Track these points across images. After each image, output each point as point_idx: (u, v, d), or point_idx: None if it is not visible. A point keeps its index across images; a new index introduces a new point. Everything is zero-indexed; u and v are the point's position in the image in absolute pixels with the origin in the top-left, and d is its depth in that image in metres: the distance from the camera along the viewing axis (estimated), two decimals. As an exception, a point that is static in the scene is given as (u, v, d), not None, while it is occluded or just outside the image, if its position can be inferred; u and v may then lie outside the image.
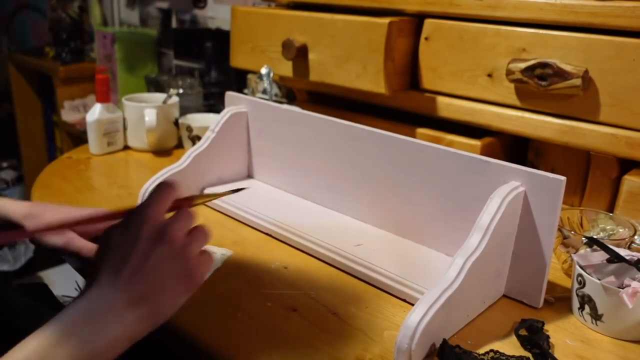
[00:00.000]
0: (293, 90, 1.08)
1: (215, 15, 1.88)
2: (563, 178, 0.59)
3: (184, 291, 0.51)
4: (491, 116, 0.90)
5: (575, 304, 0.62)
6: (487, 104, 0.91)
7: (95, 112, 1.12)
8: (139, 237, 0.49)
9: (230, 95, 0.97)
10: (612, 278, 0.62)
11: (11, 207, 0.70)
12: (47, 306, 0.76)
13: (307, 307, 0.63)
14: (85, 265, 0.70)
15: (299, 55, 1.01)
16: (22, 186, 2.67)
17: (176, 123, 1.17)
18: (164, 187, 0.53)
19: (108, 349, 0.46)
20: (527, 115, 0.87)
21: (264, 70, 1.03)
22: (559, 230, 0.68)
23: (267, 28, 1.08)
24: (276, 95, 1.05)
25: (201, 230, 0.54)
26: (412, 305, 0.63)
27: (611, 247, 0.64)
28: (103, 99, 1.13)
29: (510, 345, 0.58)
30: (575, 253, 0.66)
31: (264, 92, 1.04)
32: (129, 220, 0.51)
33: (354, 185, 0.81)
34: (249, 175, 0.99)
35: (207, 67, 1.52)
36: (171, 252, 0.50)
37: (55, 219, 0.69)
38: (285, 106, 0.91)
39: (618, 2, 0.76)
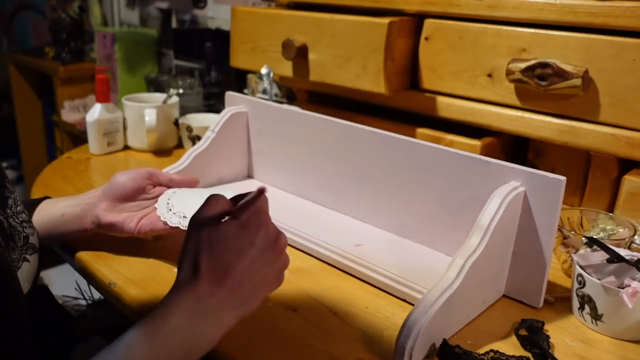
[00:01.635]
0: (293, 90, 1.08)
1: (215, 15, 1.88)
2: (563, 178, 0.59)
3: (270, 292, 0.53)
4: (491, 116, 0.90)
5: (575, 304, 0.62)
6: (487, 104, 0.91)
7: (95, 112, 1.12)
8: (255, 242, 0.50)
9: (230, 95, 0.97)
10: (612, 278, 0.62)
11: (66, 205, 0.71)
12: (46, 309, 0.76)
13: (307, 307, 0.63)
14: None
15: (299, 55, 1.01)
16: (22, 186, 2.66)
17: (176, 123, 1.17)
18: (264, 194, 0.53)
19: (204, 347, 0.47)
20: (527, 115, 0.87)
21: (264, 70, 1.03)
22: (559, 230, 0.68)
23: (267, 28, 1.08)
24: (276, 95, 1.05)
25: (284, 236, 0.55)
26: (412, 305, 0.63)
27: (611, 247, 0.64)
28: (103, 99, 1.13)
29: (510, 345, 0.58)
30: (575, 253, 0.66)
31: (264, 92, 1.04)
32: (248, 220, 0.50)
33: (354, 185, 0.81)
34: (249, 175, 0.99)
35: (207, 67, 1.52)
36: (277, 260, 0.52)
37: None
38: (285, 106, 0.91)
39: (618, 2, 0.76)
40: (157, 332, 0.46)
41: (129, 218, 0.70)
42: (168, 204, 0.70)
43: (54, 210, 0.71)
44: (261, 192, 0.52)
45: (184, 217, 0.68)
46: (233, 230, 0.50)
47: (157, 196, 0.72)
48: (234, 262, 0.49)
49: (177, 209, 0.69)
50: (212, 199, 0.52)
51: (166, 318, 0.46)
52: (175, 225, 0.67)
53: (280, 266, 0.53)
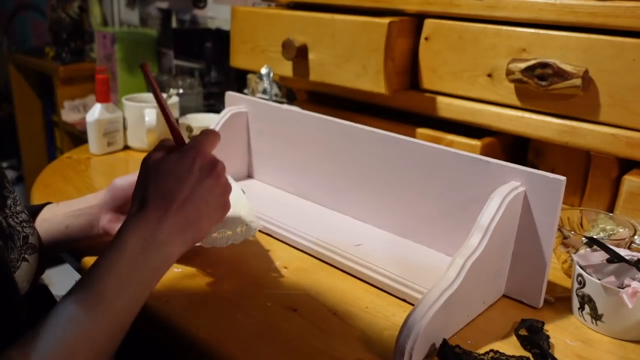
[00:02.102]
0: (293, 90, 1.08)
1: (215, 15, 1.88)
2: (563, 178, 0.59)
3: (217, 220, 0.59)
4: (491, 116, 0.90)
5: (575, 304, 0.62)
6: (487, 104, 0.91)
7: (95, 112, 1.12)
8: (193, 169, 0.55)
9: (230, 95, 0.97)
10: (612, 278, 0.63)
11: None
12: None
13: (307, 307, 0.63)
14: None
15: (299, 55, 1.01)
16: (22, 186, 2.67)
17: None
18: (214, 132, 0.60)
19: (158, 271, 0.52)
20: (527, 115, 0.87)
21: (264, 70, 1.03)
22: (559, 230, 0.68)
23: (267, 28, 1.08)
24: (276, 95, 1.05)
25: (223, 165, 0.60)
26: (412, 305, 0.63)
27: (611, 247, 0.64)
28: (103, 99, 1.13)
29: (510, 345, 0.58)
30: (575, 253, 0.66)
31: (264, 92, 1.04)
32: (185, 150, 0.56)
33: (354, 185, 0.81)
34: (249, 175, 0.99)
35: (207, 67, 1.52)
36: (217, 185, 0.57)
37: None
38: (285, 106, 0.91)
39: (618, 2, 0.76)
40: (117, 263, 0.49)
41: None
42: None
43: (57, 222, 0.71)
44: (215, 133, 0.60)
45: None
46: (173, 161, 0.55)
47: None
48: (176, 189, 0.54)
49: None
50: (160, 142, 0.60)
51: (122, 247, 0.50)
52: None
53: (221, 192, 0.58)
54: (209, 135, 0.59)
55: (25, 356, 0.42)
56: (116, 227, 0.69)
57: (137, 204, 0.54)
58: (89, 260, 0.72)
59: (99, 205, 0.70)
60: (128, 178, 0.71)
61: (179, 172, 0.55)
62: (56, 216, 0.71)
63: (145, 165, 0.56)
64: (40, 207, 0.73)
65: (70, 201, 0.73)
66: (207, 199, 0.56)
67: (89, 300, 0.47)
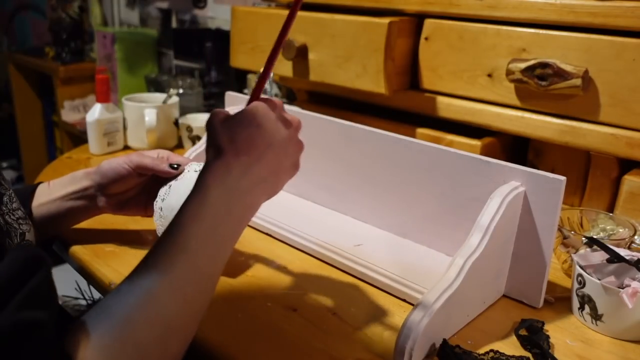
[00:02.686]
0: (293, 90, 1.07)
1: (215, 15, 1.88)
2: (563, 178, 0.59)
3: (289, 176, 0.56)
4: (491, 116, 0.90)
5: (575, 304, 0.62)
6: (487, 104, 0.91)
7: (95, 112, 1.12)
8: (273, 117, 0.53)
9: (230, 95, 0.97)
10: (612, 278, 0.63)
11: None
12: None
13: (307, 307, 0.63)
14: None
15: (299, 55, 1.01)
16: (22, 186, 2.66)
17: (176, 123, 1.17)
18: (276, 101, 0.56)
19: (242, 221, 0.51)
20: (527, 115, 0.87)
21: (264, 70, 1.03)
22: (559, 230, 0.68)
23: (267, 28, 1.08)
24: (276, 95, 1.05)
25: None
26: (412, 305, 0.63)
27: (611, 247, 0.64)
28: (103, 99, 1.13)
29: (510, 345, 0.58)
30: (575, 253, 0.66)
31: (264, 92, 1.03)
32: (265, 100, 0.54)
33: (354, 185, 0.81)
34: (249, 175, 0.99)
35: (207, 67, 1.52)
36: (295, 137, 0.55)
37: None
38: (285, 106, 0.91)
39: (618, 2, 0.76)
40: (200, 213, 0.48)
41: (137, 204, 0.73)
42: (161, 210, 0.69)
43: (55, 207, 0.71)
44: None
45: None
46: (250, 110, 0.52)
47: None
48: (257, 135, 0.51)
49: (168, 217, 0.68)
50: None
51: (206, 193, 0.48)
52: None
53: (297, 148, 0.56)
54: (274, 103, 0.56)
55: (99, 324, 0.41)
56: (118, 212, 0.72)
57: (213, 153, 0.51)
58: (77, 249, 0.73)
59: (93, 187, 0.71)
60: (115, 159, 0.71)
61: (259, 119, 0.52)
62: (54, 202, 0.71)
63: (214, 120, 0.53)
64: (32, 189, 0.73)
65: (61, 181, 0.73)
66: (287, 150, 0.54)
67: (173, 251, 0.46)
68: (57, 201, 0.71)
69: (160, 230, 0.70)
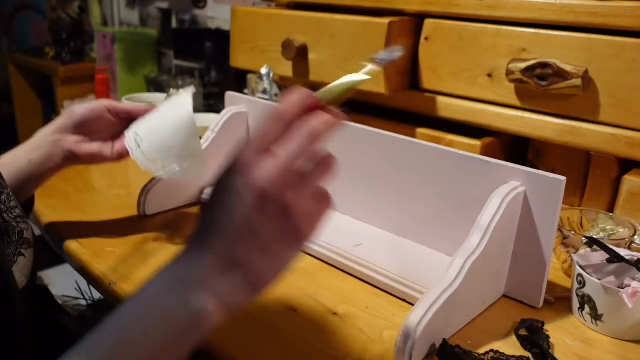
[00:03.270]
0: (293, 90, 1.08)
1: (215, 15, 1.88)
2: (563, 178, 0.59)
3: (290, 250, 0.41)
4: (491, 116, 0.90)
5: (575, 304, 0.62)
6: (487, 104, 0.91)
7: (95, 112, 1.12)
8: (239, 195, 0.39)
9: (230, 95, 0.97)
10: (612, 278, 0.62)
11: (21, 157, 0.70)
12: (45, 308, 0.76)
13: (307, 307, 0.63)
14: None
15: (299, 55, 1.01)
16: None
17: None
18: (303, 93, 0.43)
19: (197, 322, 0.38)
20: (527, 115, 0.87)
21: (264, 70, 1.03)
22: (559, 230, 0.68)
23: (267, 28, 1.08)
24: (276, 95, 1.05)
25: (326, 163, 0.43)
26: (412, 305, 0.63)
27: (611, 247, 0.64)
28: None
29: (510, 345, 0.58)
30: (575, 253, 0.66)
31: (264, 92, 1.04)
32: (226, 175, 0.41)
33: (354, 185, 0.81)
34: (249, 175, 0.99)
35: (207, 67, 1.52)
36: (276, 209, 0.39)
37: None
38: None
39: (618, 2, 0.76)
40: (136, 307, 0.39)
41: (104, 145, 0.73)
42: (136, 137, 0.68)
43: (18, 161, 0.70)
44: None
45: (152, 161, 0.67)
46: (214, 194, 0.41)
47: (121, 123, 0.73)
48: (217, 220, 0.40)
49: (145, 146, 0.68)
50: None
51: (143, 288, 0.39)
52: (146, 168, 0.68)
53: (293, 221, 0.40)
54: (270, 123, 0.41)
55: None
56: (83, 147, 0.72)
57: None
58: (77, 249, 0.73)
59: (57, 131, 0.71)
60: (87, 106, 0.72)
61: (218, 207, 0.41)
62: (15, 156, 0.71)
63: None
64: None
65: (24, 143, 0.73)
66: (262, 229, 0.39)
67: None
68: (19, 155, 0.70)
69: (141, 160, 0.68)
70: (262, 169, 0.39)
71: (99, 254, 0.72)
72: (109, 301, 0.68)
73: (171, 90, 1.24)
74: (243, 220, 0.39)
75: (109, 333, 0.37)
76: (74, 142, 0.71)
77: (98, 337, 0.37)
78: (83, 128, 0.71)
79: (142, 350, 0.37)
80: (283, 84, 1.08)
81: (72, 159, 0.72)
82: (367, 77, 0.52)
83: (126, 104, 0.75)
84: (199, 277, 0.39)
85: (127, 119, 0.74)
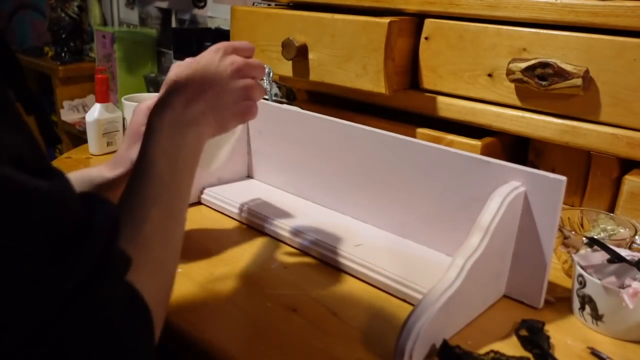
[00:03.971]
0: (293, 90, 1.07)
1: (215, 15, 1.88)
2: (563, 178, 0.59)
3: (237, 115, 0.61)
4: (491, 116, 0.90)
5: (576, 304, 0.62)
6: (488, 104, 0.91)
7: (95, 112, 1.12)
8: (214, 59, 0.59)
9: (230, 95, 0.97)
10: (612, 278, 0.62)
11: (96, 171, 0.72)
12: None
13: (307, 307, 0.63)
14: None
15: (299, 55, 1.01)
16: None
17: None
18: (248, 43, 0.64)
19: (196, 147, 0.56)
20: (527, 115, 0.87)
21: (263, 70, 1.03)
22: (560, 230, 0.68)
23: (267, 28, 1.08)
24: (276, 95, 1.05)
25: (260, 65, 0.63)
26: (412, 305, 0.63)
27: (612, 247, 0.64)
28: (102, 99, 1.13)
29: (510, 346, 0.57)
30: (575, 253, 0.66)
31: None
32: (212, 46, 0.61)
33: (354, 185, 0.80)
34: (249, 175, 0.99)
35: (206, 67, 1.52)
36: (233, 78, 0.60)
37: None
38: (285, 106, 0.91)
39: (619, 1, 0.76)
40: (161, 143, 0.53)
41: None
42: None
43: (98, 178, 0.70)
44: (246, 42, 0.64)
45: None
46: (194, 59, 0.60)
47: None
48: (194, 76, 0.58)
49: None
50: None
51: (158, 129, 0.53)
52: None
53: (241, 88, 0.61)
54: (243, 43, 0.63)
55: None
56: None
57: (161, 96, 0.57)
58: None
59: (133, 144, 0.71)
60: (142, 111, 0.74)
61: (201, 63, 0.59)
62: (100, 172, 0.71)
63: (170, 72, 0.60)
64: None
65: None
66: (227, 88, 0.59)
67: (153, 183, 0.51)
68: (94, 175, 0.70)
69: None
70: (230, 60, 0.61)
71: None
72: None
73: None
74: (222, 84, 0.59)
75: (147, 164, 0.51)
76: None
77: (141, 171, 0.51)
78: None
79: (177, 165, 0.53)
80: (283, 84, 1.08)
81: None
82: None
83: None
84: (189, 119, 0.56)
85: None
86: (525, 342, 0.57)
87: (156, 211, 0.49)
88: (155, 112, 0.55)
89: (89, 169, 0.73)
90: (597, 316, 0.60)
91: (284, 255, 0.74)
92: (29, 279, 0.31)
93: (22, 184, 0.31)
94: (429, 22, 0.95)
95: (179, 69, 0.59)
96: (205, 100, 0.57)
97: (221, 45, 0.61)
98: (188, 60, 0.61)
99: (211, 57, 0.60)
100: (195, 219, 0.83)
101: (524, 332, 0.59)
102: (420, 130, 0.99)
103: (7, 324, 0.31)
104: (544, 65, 0.80)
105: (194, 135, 0.56)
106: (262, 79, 0.64)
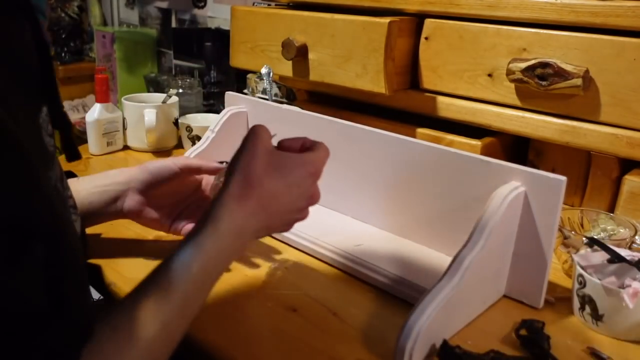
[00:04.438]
0: (293, 90, 1.07)
1: (215, 15, 1.88)
2: (563, 178, 0.59)
3: (293, 222, 0.59)
4: (491, 116, 0.90)
5: (576, 304, 0.62)
6: (488, 103, 0.91)
7: (95, 112, 1.12)
8: (300, 182, 0.56)
9: (230, 95, 0.97)
10: (612, 278, 0.62)
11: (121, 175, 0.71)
12: None
13: (307, 307, 0.63)
14: None
15: (299, 55, 1.01)
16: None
17: (176, 123, 1.17)
18: (327, 150, 0.61)
19: (233, 256, 0.52)
20: (527, 115, 0.87)
21: (264, 70, 1.03)
22: (560, 230, 0.68)
23: (267, 28, 1.08)
24: (276, 95, 1.05)
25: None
26: (412, 305, 0.63)
27: (612, 247, 0.64)
28: (102, 98, 1.13)
29: (510, 346, 0.58)
30: (575, 253, 0.66)
31: (264, 92, 1.03)
32: (304, 161, 0.57)
33: (354, 185, 0.80)
34: (249, 175, 0.99)
35: (207, 67, 1.52)
36: (305, 209, 0.58)
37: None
38: (285, 106, 0.91)
39: (619, 1, 0.76)
40: (208, 239, 0.49)
41: (163, 219, 0.72)
42: None
43: (79, 199, 0.67)
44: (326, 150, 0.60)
45: None
46: (293, 162, 0.55)
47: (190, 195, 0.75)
48: (283, 192, 0.54)
49: None
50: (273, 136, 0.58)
51: (218, 221, 0.50)
52: None
53: (307, 201, 0.58)
54: (324, 152, 0.60)
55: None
56: (145, 212, 0.70)
57: (240, 181, 0.52)
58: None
59: (127, 183, 0.69)
60: (159, 163, 0.71)
61: (297, 177, 0.55)
62: (78, 192, 0.68)
63: (258, 145, 0.54)
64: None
65: (92, 176, 0.72)
66: (290, 214, 0.57)
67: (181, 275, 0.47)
68: (81, 192, 0.68)
69: None
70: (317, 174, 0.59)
71: (98, 254, 0.72)
72: (107, 301, 0.68)
73: (170, 90, 1.24)
74: (297, 209, 0.57)
75: (194, 259, 0.48)
76: (138, 203, 0.70)
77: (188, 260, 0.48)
78: (150, 190, 0.70)
79: (214, 268, 0.50)
80: (283, 84, 1.08)
81: (128, 216, 0.71)
82: None
83: (194, 160, 0.74)
84: (252, 230, 0.53)
85: (194, 183, 0.75)
86: (525, 342, 0.57)
87: (176, 295, 0.46)
88: (223, 201, 0.51)
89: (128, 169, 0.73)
90: (597, 316, 0.60)
91: (284, 255, 0.74)
92: None
93: None
94: (429, 22, 0.95)
95: (275, 161, 0.54)
96: (268, 218, 0.54)
97: (318, 172, 0.58)
98: (271, 148, 0.56)
99: (301, 180, 0.56)
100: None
101: (524, 332, 0.59)
102: (420, 130, 0.99)
103: None
104: (544, 65, 0.80)
105: (241, 244, 0.53)
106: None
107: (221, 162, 0.72)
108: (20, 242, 0.36)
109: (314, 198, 0.58)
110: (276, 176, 0.53)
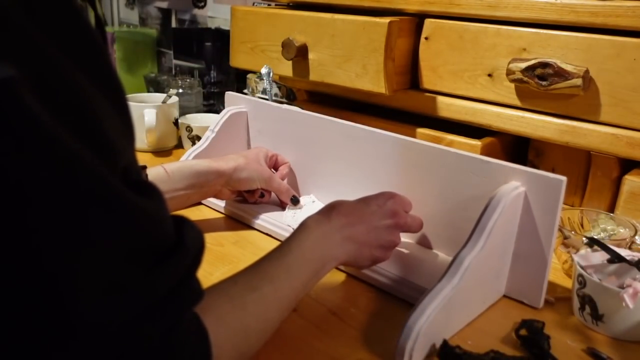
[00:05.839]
0: (293, 90, 1.07)
1: (215, 15, 1.88)
2: (563, 178, 0.59)
3: (372, 259, 0.63)
4: (491, 116, 0.90)
5: (576, 304, 0.62)
6: (488, 103, 0.91)
7: (95, 112, 1.12)
8: (377, 203, 0.65)
9: (230, 95, 0.97)
10: (612, 278, 0.62)
11: (216, 164, 0.80)
12: None
13: (307, 307, 0.63)
14: None
15: (299, 55, 1.01)
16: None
17: (176, 123, 1.17)
18: (409, 202, 0.69)
19: (325, 265, 0.58)
20: (527, 115, 0.87)
21: (264, 70, 1.03)
22: (560, 230, 0.68)
23: (267, 28, 1.08)
24: (276, 95, 1.05)
25: (417, 224, 0.69)
26: (412, 305, 0.63)
27: (612, 247, 0.64)
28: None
29: (510, 346, 0.58)
30: (575, 253, 0.66)
31: (264, 92, 1.03)
32: (383, 193, 0.67)
33: (354, 185, 0.80)
34: (249, 175, 0.99)
35: (207, 67, 1.52)
36: (388, 229, 0.64)
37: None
38: (285, 106, 0.91)
39: (619, 1, 0.76)
40: (300, 244, 0.57)
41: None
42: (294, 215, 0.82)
43: (175, 197, 0.77)
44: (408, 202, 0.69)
45: None
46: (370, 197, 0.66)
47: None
48: (357, 207, 0.63)
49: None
50: None
51: (308, 232, 0.58)
52: None
53: (389, 240, 0.64)
54: (406, 202, 0.68)
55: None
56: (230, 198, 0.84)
57: (326, 208, 0.62)
58: None
59: (218, 184, 0.80)
60: (249, 170, 0.81)
61: (369, 200, 0.65)
62: (176, 191, 0.77)
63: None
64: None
65: (180, 170, 0.78)
66: (378, 233, 0.63)
67: (278, 269, 0.55)
68: (179, 191, 0.77)
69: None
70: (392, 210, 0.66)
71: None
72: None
73: (170, 90, 1.24)
74: (375, 227, 0.63)
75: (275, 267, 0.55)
76: (226, 195, 0.83)
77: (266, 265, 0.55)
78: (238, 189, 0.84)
79: (296, 281, 0.55)
80: (283, 84, 1.08)
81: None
82: None
83: (275, 185, 0.84)
84: (338, 240, 0.60)
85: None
86: (525, 342, 0.57)
87: (267, 289, 0.51)
88: (315, 218, 0.60)
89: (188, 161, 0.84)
90: (597, 316, 0.60)
91: (284, 255, 0.74)
92: (121, 287, 0.34)
93: (131, 203, 0.34)
94: (429, 22, 0.95)
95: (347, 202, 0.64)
96: (358, 233, 0.61)
97: (393, 196, 0.66)
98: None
99: (378, 198, 0.65)
100: (195, 219, 0.83)
101: (524, 332, 0.59)
102: (420, 130, 0.99)
103: (87, 323, 0.32)
104: (544, 65, 0.80)
105: (332, 256, 0.59)
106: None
107: (293, 200, 0.84)
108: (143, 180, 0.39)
109: (396, 214, 0.65)
110: (352, 202, 0.64)
